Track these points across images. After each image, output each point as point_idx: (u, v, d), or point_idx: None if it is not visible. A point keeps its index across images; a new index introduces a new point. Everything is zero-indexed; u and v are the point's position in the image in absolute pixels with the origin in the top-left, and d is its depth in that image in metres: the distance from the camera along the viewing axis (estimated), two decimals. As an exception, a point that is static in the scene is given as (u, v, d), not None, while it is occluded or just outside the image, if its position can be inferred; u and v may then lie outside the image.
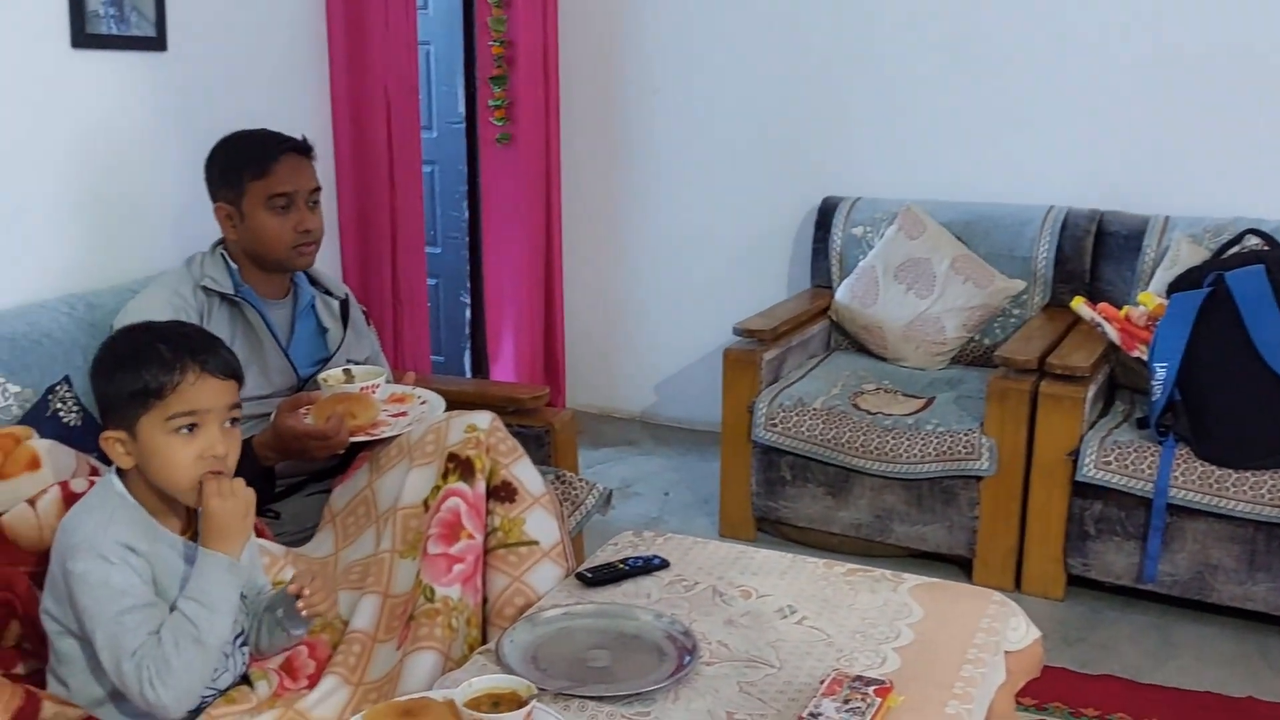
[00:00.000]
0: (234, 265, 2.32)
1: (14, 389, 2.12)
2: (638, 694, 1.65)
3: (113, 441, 1.59)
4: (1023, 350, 3.16)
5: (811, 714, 1.57)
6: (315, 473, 2.30)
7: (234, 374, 1.65)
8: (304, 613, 1.67)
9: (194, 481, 1.59)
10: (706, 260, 4.34)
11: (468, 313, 4.60)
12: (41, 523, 1.87)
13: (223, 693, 1.69)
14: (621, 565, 2.04)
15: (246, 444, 2.14)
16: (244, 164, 2.26)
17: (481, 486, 2.01)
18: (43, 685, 1.65)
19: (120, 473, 1.64)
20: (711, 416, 3.61)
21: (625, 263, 4.50)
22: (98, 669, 1.58)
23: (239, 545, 1.62)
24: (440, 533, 1.93)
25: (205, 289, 2.26)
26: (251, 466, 2.11)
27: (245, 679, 1.75)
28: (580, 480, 2.65)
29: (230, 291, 2.27)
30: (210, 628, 1.56)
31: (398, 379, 2.49)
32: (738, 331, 3.51)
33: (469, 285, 4.58)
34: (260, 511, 2.22)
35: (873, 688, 1.64)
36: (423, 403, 2.32)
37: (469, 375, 4.61)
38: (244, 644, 1.75)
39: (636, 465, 4.09)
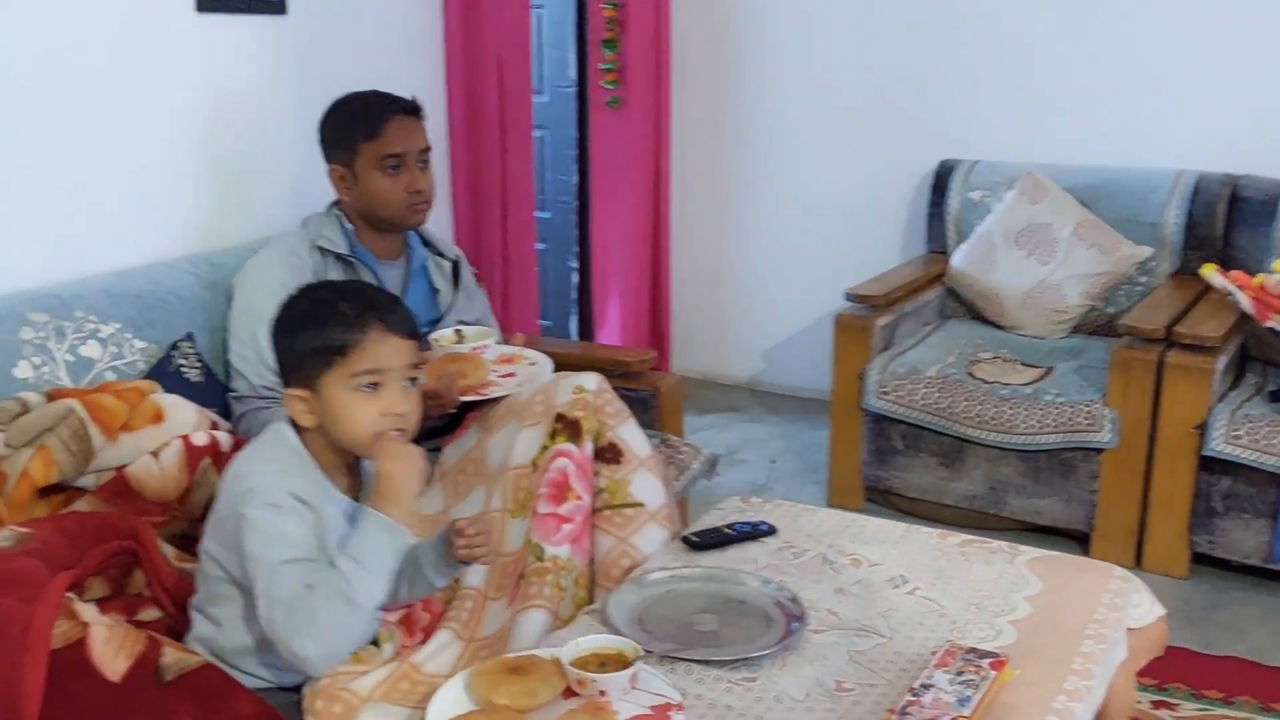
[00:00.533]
0: (349, 226, 2.34)
1: (140, 344, 2.18)
2: (745, 659, 1.63)
3: (295, 399, 1.61)
4: (1149, 319, 3.05)
5: (923, 685, 1.53)
6: (426, 431, 2.31)
7: (414, 333, 1.67)
8: (461, 553, 1.65)
9: (374, 438, 1.60)
10: (818, 224, 4.27)
11: (575, 278, 4.61)
12: (164, 474, 1.92)
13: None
14: (728, 530, 2.02)
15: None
16: (355, 126, 2.28)
17: (589, 448, 2.00)
18: (164, 633, 1.70)
19: (294, 428, 1.65)
20: (821, 384, 3.56)
21: (735, 227, 4.45)
22: (251, 617, 1.60)
23: (405, 509, 1.63)
24: (549, 493, 1.93)
25: (321, 249, 2.29)
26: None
27: (373, 640, 1.77)
28: (685, 445, 2.64)
29: (345, 251, 2.30)
30: (365, 588, 1.57)
31: (506, 340, 2.50)
32: (849, 297, 3.45)
33: (577, 250, 4.58)
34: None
35: (987, 660, 1.59)
36: (531, 364, 2.32)
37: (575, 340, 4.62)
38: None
39: (743, 432, 4.06)
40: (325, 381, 1.58)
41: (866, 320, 3.38)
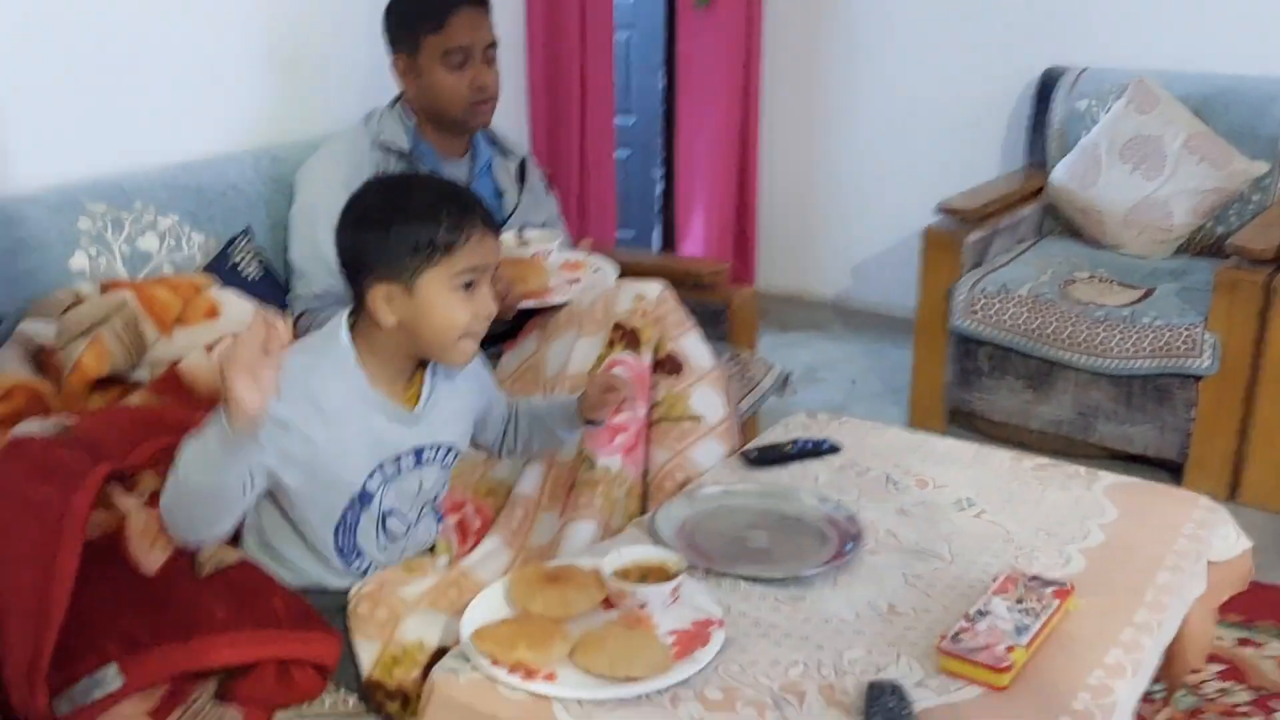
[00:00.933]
0: (411, 122, 2.28)
1: (198, 238, 2.16)
2: (794, 577, 1.56)
3: (382, 294, 1.51)
4: (1260, 239, 2.85)
5: (980, 612, 1.45)
6: (487, 337, 2.27)
7: (498, 231, 1.61)
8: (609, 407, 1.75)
9: (460, 336, 1.55)
10: (913, 135, 4.10)
11: (659, 187, 4.50)
12: (217, 370, 1.90)
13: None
14: (790, 446, 1.95)
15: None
16: (420, 17, 2.20)
17: (647, 357, 1.93)
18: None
19: (351, 330, 1.56)
20: (908, 302, 3.43)
21: (826, 136, 4.29)
22: (294, 514, 1.56)
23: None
24: (605, 402, 1.87)
25: (383, 145, 2.24)
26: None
27: (430, 548, 1.74)
28: (758, 360, 2.56)
29: (406, 149, 2.24)
30: (188, 466, 1.36)
31: (575, 245, 2.43)
32: (940, 210, 3.30)
33: (662, 158, 4.47)
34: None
35: (1051, 589, 1.50)
36: (596, 270, 2.26)
37: (657, 251, 4.53)
38: (439, 515, 1.75)
39: (824, 350, 3.95)
40: (425, 279, 1.51)
41: (957, 235, 3.23)
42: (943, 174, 3.82)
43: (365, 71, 2.61)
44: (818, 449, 1.95)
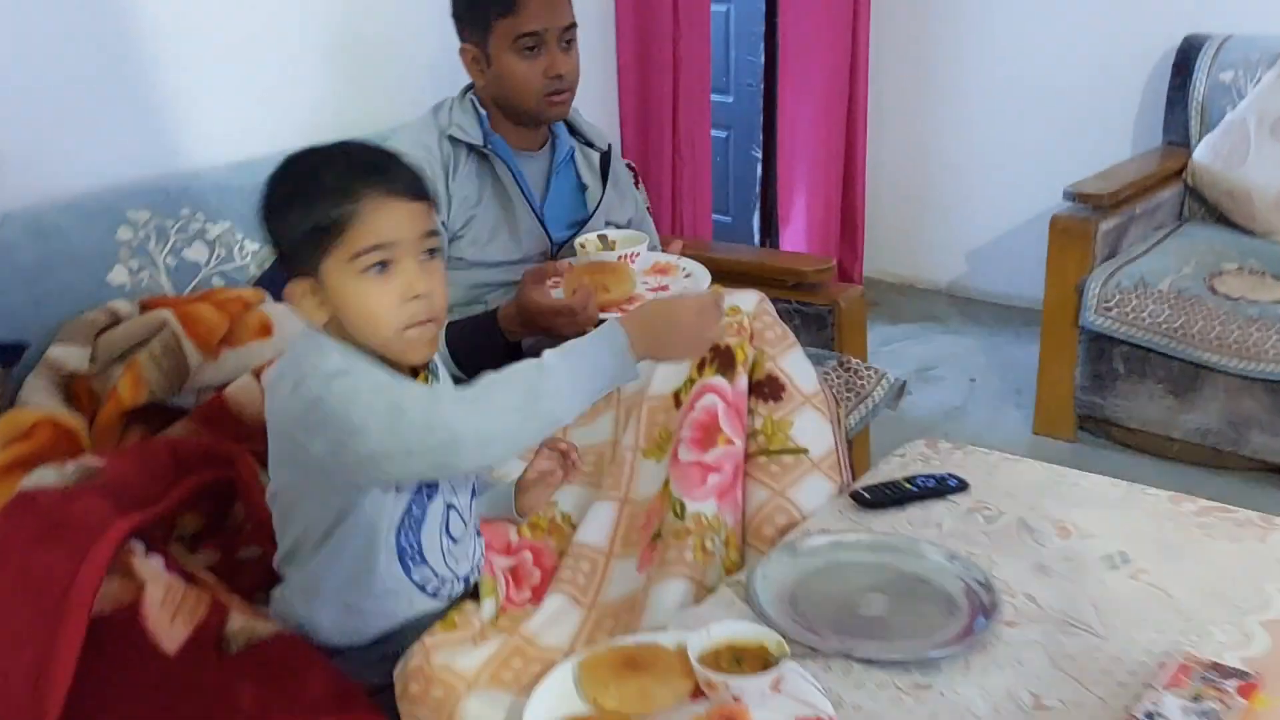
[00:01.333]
0: (483, 112, 2.07)
1: (251, 247, 1.98)
2: (918, 660, 1.32)
3: (301, 293, 1.30)
4: None
5: (1148, 714, 1.20)
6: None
7: (422, 193, 1.33)
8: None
9: (400, 330, 1.29)
10: (1037, 111, 3.78)
11: (759, 169, 4.24)
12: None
13: (443, 616, 1.46)
14: (908, 484, 1.69)
15: (490, 316, 1.93)
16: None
17: (743, 382, 1.70)
18: (263, 573, 1.51)
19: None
20: (1031, 291, 3.15)
21: (940, 113, 3.99)
22: (338, 566, 1.37)
23: (656, 348, 1.40)
24: (693, 436, 1.64)
25: (452, 139, 2.03)
26: (496, 340, 1.90)
27: (474, 593, 1.52)
28: (868, 369, 2.30)
29: (479, 142, 2.03)
30: (554, 389, 1.28)
31: (665, 246, 2.20)
32: (1069, 195, 3.00)
33: (761, 138, 4.20)
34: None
35: (1233, 682, 1.24)
36: (686, 275, 2.02)
37: (757, 238, 4.28)
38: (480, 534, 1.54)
39: (940, 345, 3.66)
40: (326, 269, 1.28)
41: (1088, 223, 2.93)
42: (1069, 154, 3.51)
43: (434, 59, 2.40)
44: (942, 487, 1.70)
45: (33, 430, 1.54)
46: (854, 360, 2.33)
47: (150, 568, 1.32)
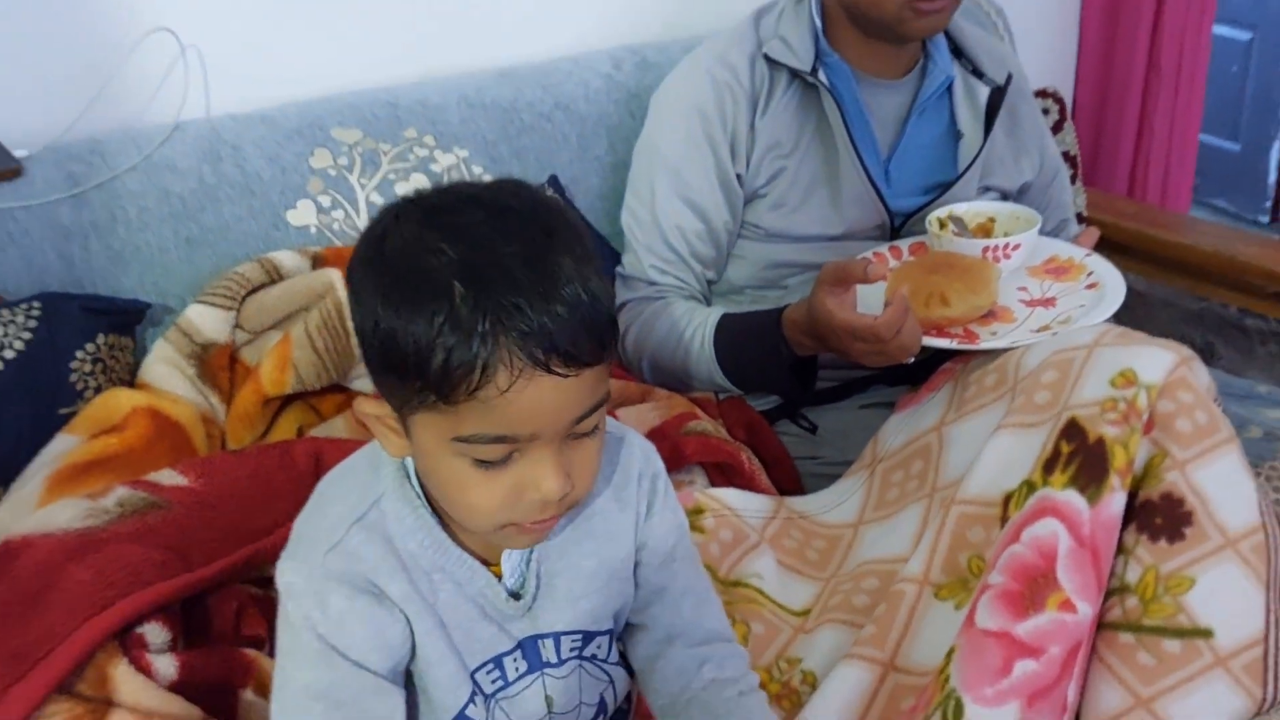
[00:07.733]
0: (820, 23, 1.46)
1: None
2: None
3: (378, 415, 0.80)
4: None
5: None
6: (884, 372, 1.45)
7: (597, 354, 0.76)
8: None
9: (501, 526, 0.80)
10: None
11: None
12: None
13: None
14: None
15: (775, 318, 1.36)
16: None
17: (1117, 503, 1.03)
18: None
19: None
20: None
21: None
22: None
23: None
24: (1008, 587, 1.01)
25: (769, 58, 1.45)
26: (778, 350, 1.35)
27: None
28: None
29: (805, 67, 1.43)
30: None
31: (1074, 237, 1.51)
32: None
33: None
34: (791, 417, 1.47)
35: None
36: (1089, 285, 1.35)
37: (1273, 175, 3.27)
38: None
39: None
40: (418, 423, 0.77)
41: None
42: None
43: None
44: None
45: (128, 419, 1.20)
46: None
47: (131, 687, 0.92)
